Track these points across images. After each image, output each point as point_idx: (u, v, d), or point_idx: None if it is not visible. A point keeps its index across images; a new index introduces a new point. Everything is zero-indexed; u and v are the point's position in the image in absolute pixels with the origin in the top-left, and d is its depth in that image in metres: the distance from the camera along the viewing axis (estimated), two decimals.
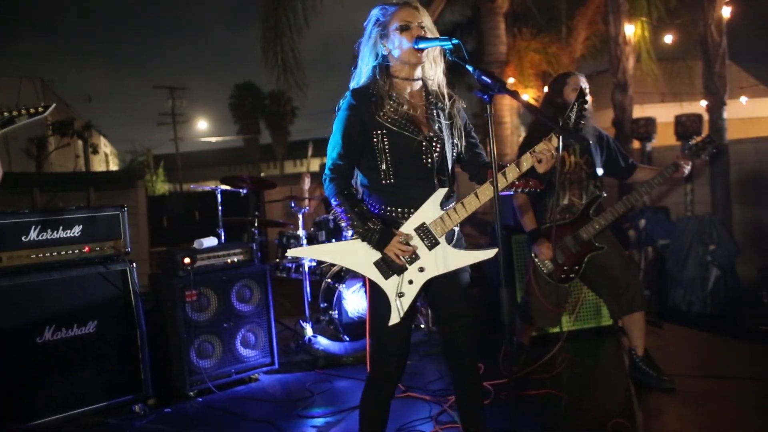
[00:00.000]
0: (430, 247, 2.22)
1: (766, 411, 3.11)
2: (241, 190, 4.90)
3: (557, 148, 2.14)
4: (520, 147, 3.71)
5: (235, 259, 3.94)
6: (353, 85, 2.35)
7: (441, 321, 2.42)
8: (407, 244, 2.18)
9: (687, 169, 3.40)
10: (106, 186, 6.65)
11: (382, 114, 2.23)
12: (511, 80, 9.60)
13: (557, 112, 3.32)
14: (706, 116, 6.36)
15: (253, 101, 40.20)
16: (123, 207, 3.57)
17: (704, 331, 4.68)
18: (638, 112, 7.88)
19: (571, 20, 10.14)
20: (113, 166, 22.90)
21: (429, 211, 2.22)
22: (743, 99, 10.16)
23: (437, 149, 2.26)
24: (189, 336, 3.65)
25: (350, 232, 2.24)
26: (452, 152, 2.32)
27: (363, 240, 2.20)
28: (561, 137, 2.12)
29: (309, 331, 4.56)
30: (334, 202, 2.27)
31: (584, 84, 3.44)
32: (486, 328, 4.39)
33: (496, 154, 2.06)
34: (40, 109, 2.55)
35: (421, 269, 2.23)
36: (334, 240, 4.82)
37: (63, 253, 3.34)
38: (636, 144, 7.22)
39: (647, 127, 6.72)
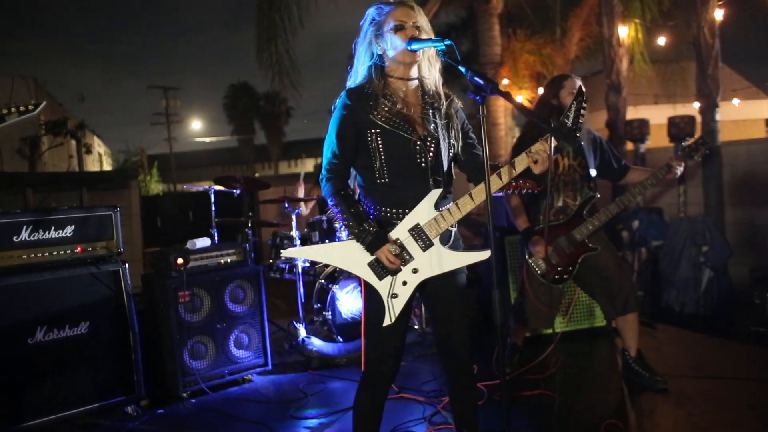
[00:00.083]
0: (425, 249, 2.22)
1: (758, 411, 3.12)
2: (234, 191, 4.89)
3: (550, 149, 2.14)
4: (513, 148, 3.71)
5: (229, 260, 3.93)
6: (350, 84, 2.35)
7: (436, 322, 2.42)
8: (399, 252, 2.18)
9: (680, 170, 3.41)
10: (100, 186, 6.62)
11: (376, 113, 2.23)
12: (505, 81, 9.62)
13: (552, 114, 3.33)
14: (699, 118, 6.40)
15: (247, 101, 40.14)
16: (115, 207, 3.55)
17: (697, 331, 4.70)
18: (632, 113, 7.92)
19: (566, 21, 10.17)
20: (107, 166, 22.79)
21: (423, 212, 2.22)
22: (736, 101, 10.20)
23: (431, 149, 2.26)
24: (182, 337, 3.64)
25: (345, 233, 2.25)
26: (448, 152, 2.32)
27: (357, 241, 2.21)
28: (553, 139, 2.13)
29: (302, 332, 4.55)
30: (330, 203, 2.28)
31: (583, 90, 3.45)
32: (480, 328, 4.40)
33: (488, 156, 2.07)
34: (30, 107, 2.53)
35: (415, 270, 2.23)
36: (327, 240, 4.81)
37: (55, 253, 3.31)
38: (630, 145, 7.25)
39: (641, 128, 6.75)
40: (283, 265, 5.04)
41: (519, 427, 3.08)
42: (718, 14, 6.35)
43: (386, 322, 2.21)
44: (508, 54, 9.68)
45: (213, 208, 4.80)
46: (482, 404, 3.26)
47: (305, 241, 4.97)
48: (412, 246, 2.22)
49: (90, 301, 3.38)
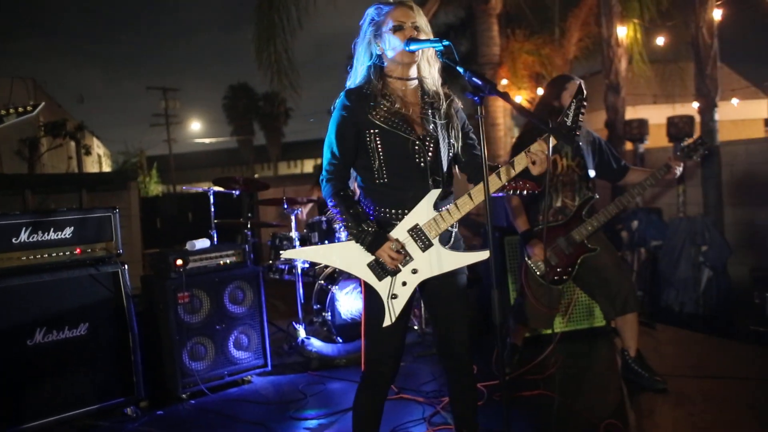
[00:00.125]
0: (424, 249, 2.22)
1: (758, 411, 3.12)
2: (233, 192, 4.89)
3: (548, 150, 2.14)
4: (512, 147, 3.72)
5: (228, 261, 3.93)
6: (350, 84, 2.35)
7: (436, 322, 2.42)
8: (399, 251, 2.18)
9: (679, 170, 3.41)
10: (99, 187, 6.61)
11: (375, 113, 2.23)
12: (504, 81, 9.63)
13: (551, 115, 3.32)
14: (697, 118, 6.40)
15: (247, 102, 40.16)
16: (114, 208, 3.55)
17: (696, 331, 4.70)
18: (631, 113, 7.92)
19: (564, 22, 10.19)
20: (106, 168, 22.78)
21: (423, 213, 2.22)
22: (734, 101, 10.21)
23: (430, 149, 2.25)
24: (181, 338, 3.64)
25: (345, 234, 2.25)
26: (448, 152, 2.31)
27: (356, 241, 2.21)
28: (551, 139, 2.12)
29: (302, 332, 4.55)
30: (330, 203, 2.28)
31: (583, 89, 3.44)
32: (479, 329, 4.40)
33: (487, 156, 2.07)
34: (29, 108, 2.53)
35: (415, 271, 2.23)
36: (327, 241, 4.81)
37: (54, 255, 3.31)
38: (629, 145, 7.26)
39: (640, 128, 6.76)
40: (283, 266, 5.04)
41: (519, 427, 3.08)
42: (717, 14, 6.36)
43: (386, 322, 2.21)
44: (506, 54, 9.69)
45: (212, 209, 4.80)
46: (482, 405, 3.26)
47: (304, 242, 4.97)
48: (411, 246, 2.22)
49: (89, 302, 3.37)
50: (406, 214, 2.22)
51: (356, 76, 2.34)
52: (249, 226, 5.06)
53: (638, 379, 3.50)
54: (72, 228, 3.39)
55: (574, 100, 2.20)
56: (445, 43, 2.09)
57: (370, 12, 2.31)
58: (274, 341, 4.55)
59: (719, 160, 6.32)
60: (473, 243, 6.22)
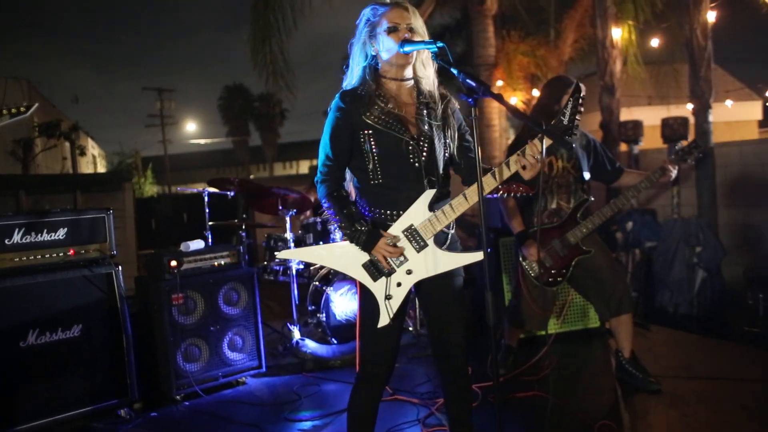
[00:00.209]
0: (419, 250, 2.22)
1: (751, 412, 3.13)
2: (228, 193, 4.88)
3: (541, 152, 2.13)
4: (508, 148, 3.72)
5: (222, 262, 3.92)
6: (346, 84, 2.35)
7: (432, 324, 2.42)
8: (395, 245, 2.18)
9: (674, 173, 3.42)
10: (94, 188, 6.58)
11: (369, 114, 2.23)
12: (499, 83, 9.65)
13: (548, 117, 3.31)
14: (692, 119, 6.43)
15: (242, 103, 40.15)
16: (108, 209, 3.54)
17: (691, 332, 4.71)
18: (625, 114, 7.95)
19: (560, 23, 10.22)
20: (101, 168, 22.71)
21: (417, 213, 2.21)
22: (729, 102, 10.26)
23: (425, 149, 2.25)
24: (175, 339, 3.63)
25: (340, 234, 2.25)
26: (444, 153, 2.31)
27: (351, 241, 2.21)
28: (544, 141, 2.12)
29: (297, 334, 4.54)
30: (324, 204, 2.28)
31: (583, 92, 3.42)
32: (474, 330, 4.40)
33: (480, 157, 2.07)
34: (22, 109, 2.52)
35: (409, 272, 2.23)
36: (322, 242, 4.81)
37: (47, 256, 3.30)
38: (623, 147, 7.28)
39: (635, 130, 6.78)
40: (277, 267, 5.03)
41: (513, 428, 3.08)
42: (711, 16, 6.38)
43: (381, 323, 2.21)
44: (502, 55, 9.72)
45: (207, 210, 4.79)
46: (477, 406, 3.26)
47: (299, 243, 4.96)
48: (406, 247, 2.22)
49: (83, 303, 3.36)
50: (401, 215, 2.22)
51: (352, 77, 2.34)
52: (244, 227, 5.05)
53: (632, 380, 3.51)
54: (65, 229, 3.37)
55: (571, 99, 2.20)
56: (440, 44, 2.09)
57: (366, 13, 2.31)
58: (269, 342, 4.54)
59: (713, 161, 6.35)
60: (468, 244, 6.22)
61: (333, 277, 4.56)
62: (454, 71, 2.02)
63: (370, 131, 2.23)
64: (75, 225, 3.40)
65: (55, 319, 3.26)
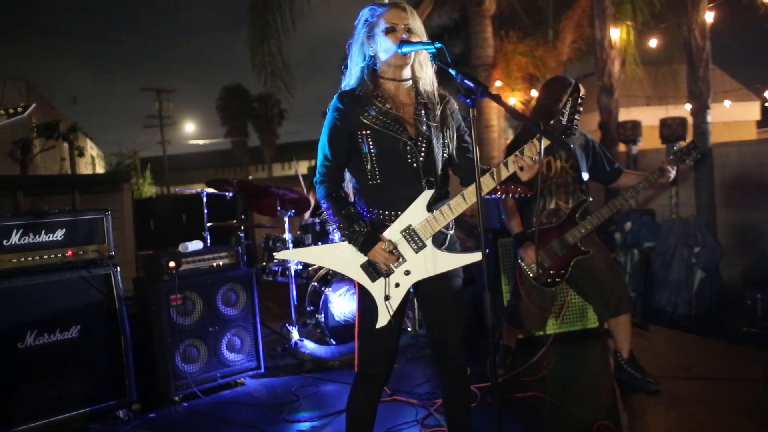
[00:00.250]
0: (417, 250, 2.22)
1: (750, 412, 3.13)
2: (226, 194, 4.88)
3: (539, 153, 2.14)
4: (507, 148, 3.72)
5: (221, 263, 3.92)
6: (344, 84, 2.35)
7: (430, 324, 2.41)
8: (392, 251, 2.18)
9: (672, 174, 3.42)
10: (92, 189, 6.57)
11: (366, 114, 2.23)
12: (498, 83, 9.65)
13: (547, 117, 3.31)
14: (690, 120, 6.44)
15: (241, 104, 40.12)
16: (106, 210, 3.54)
17: (689, 332, 4.72)
18: (624, 115, 7.96)
19: (558, 24, 10.23)
20: (100, 169, 22.72)
21: (416, 214, 2.21)
22: (727, 103, 10.27)
23: (423, 149, 2.25)
24: (174, 340, 3.62)
25: (338, 235, 2.24)
26: (442, 153, 2.30)
27: (349, 242, 2.21)
28: (542, 141, 2.12)
29: (295, 334, 4.54)
30: (323, 205, 2.28)
31: (582, 92, 3.42)
32: (473, 330, 4.40)
33: (479, 158, 2.07)
34: (19, 109, 2.51)
35: (408, 272, 2.23)
36: (320, 243, 4.81)
37: (45, 257, 3.29)
38: (622, 147, 7.29)
39: (633, 130, 6.79)
40: (276, 268, 5.03)
41: (511, 429, 3.08)
42: (709, 17, 6.39)
43: (379, 324, 2.21)
44: (500, 56, 9.72)
45: (205, 211, 4.79)
46: (475, 407, 3.26)
47: (298, 243, 4.96)
48: (404, 247, 2.22)
49: (81, 304, 3.36)
50: (399, 215, 2.22)
51: (350, 78, 2.34)
52: (242, 227, 5.05)
53: (631, 381, 3.51)
54: (64, 230, 3.37)
55: (569, 99, 2.19)
56: (438, 45, 2.08)
57: (364, 13, 2.31)
58: (267, 343, 4.54)
59: (712, 161, 6.35)
60: (467, 244, 6.22)
61: (332, 278, 4.56)
62: (452, 72, 2.02)
63: (368, 132, 2.23)
64: (73, 226, 3.40)
65: (53, 320, 3.26)
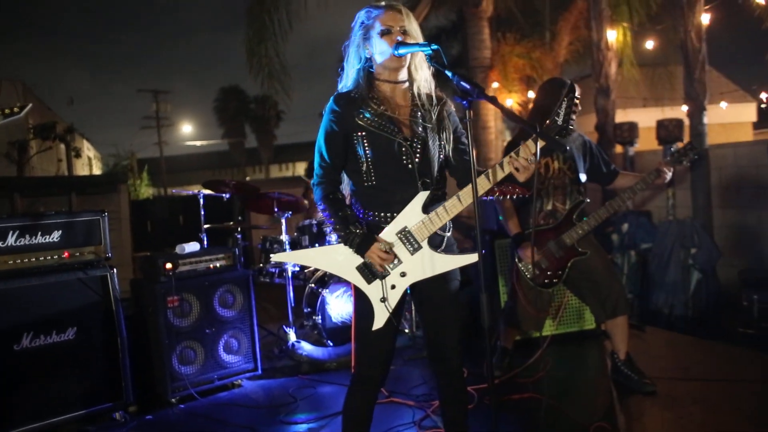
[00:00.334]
0: (413, 252, 2.22)
1: (747, 413, 3.14)
2: (223, 195, 4.87)
3: (534, 154, 2.14)
4: (504, 149, 3.72)
5: (218, 264, 3.91)
6: (341, 86, 2.36)
7: (427, 326, 2.41)
8: (388, 251, 2.18)
9: (669, 175, 3.43)
10: (89, 190, 6.56)
11: (362, 116, 2.23)
12: (495, 85, 9.65)
13: (544, 119, 3.31)
14: (686, 121, 6.45)
15: (238, 105, 40.09)
16: (103, 212, 3.53)
17: (686, 333, 4.72)
18: (621, 116, 7.97)
19: (555, 25, 10.24)
20: (96, 170, 22.68)
21: (411, 215, 2.21)
22: (723, 104, 10.29)
23: (418, 150, 2.25)
24: (171, 342, 3.62)
25: (335, 236, 2.24)
26: (438, 155, 2.30)
27: (345, 244, 2.21)
28: (538, 142, 2.12)
29: (292, 336, 4.54)
30: (320, 207, 2.28)
31: (577, 92, 3.42)
32: (470, 331, 4.40)
33: (479, 160, 2.07)
34: (15, 110, 2.51)
35: (403, 274, 2.23)
36: (317, 245, 4.80)
37: (42, 258, 3.29)
38: (619, 148, 7.30)
39: (630, 131, 6.80)
40: (273, 270, 5.03)
41: (508, 430, 3.09)
42: (705, 18, 6.41)
43: (375, 326, 2.21)
44: (497, 57, 9.72)
45: (202, 213, 4.78)
46: (472, 408, 3.26)
47: (295, 245, 4.95)
48: (400, 249, 2.22)
49: (77, 306, 3.35)
50: (395, 217, 2.22)
51: (347, 80, 2.34)
52: (239, 229, 5.04)
53: (628, 382, 3.51)
54: (60, 231, 3.36)
55: (565, 99, 2.20)
56: (434, 47, 2.08)
57: (360, 15, 2.31)
58: (265, 345, 4.53)
59: (708, 163, 6.36)
60: (464, 246, 6.22)
61: (329, 280, 4.55)
62: (448, 73, 2.03)
63: (363, 133, 2.23)
64: (70, 227, 3.39)
65: (49, 321, 3.25)
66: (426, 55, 2.16)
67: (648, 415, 3.21)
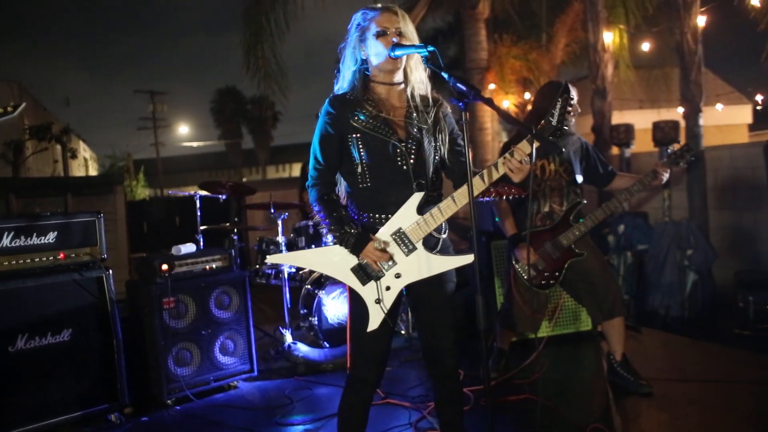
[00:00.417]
0: (408, 253, 2.21)
1: (743, 414, 3.15)
2: (220, 196, 4.86)
3: (530, 155, 2.14)
4: (500, 151, 3.72)
5: (214, 266, 3.90)
6: (337, 88, 2.36)
7: (423, 328, 2.41)
8: (384, 250, 2.18)
9: (665, 176, 3.43)
10: (85, 191, 6.55)
11: (357, 118, 2.23)
12: (491, 86, 9.67)
13: (539, 121, 3.31)
14: (683, 123, 6.47)
15: (234, 106, 40.08)
16: (99, 213, 3.52)
17: (682, 335, 4.73)
18: (617, 118, 7.99)
19: (552, 27, 10.27)
20: (92, 171, 22.65)
21: (406, 216, 2.21)
22: (719, 106, 10.35)
23: (413, 152, 2.25)
24: (167, 343, 3.61)
25: (330, 238, 2.24)
26: (434, 156, 2.30)
27: (340, 244, 2.21)
28: (534, 143, 2.12)
29: (288, 337, 4.53)
30: (315, 208, 2.28)
31: (572, 93, 3.43)
32: (466, 333, 4.40)
33: (472, 161, 2.07)
34: (9, 109, 2.50)
35: (398, 275, 2.23)
36: (313, 246, 4.80)
37: (37, 260, 3.28)
38: (615, 150, 7.31)
39: (626, 133, 6.81)
40: (269, 271, 5.02)
41: (504, 431, 3.08)
42: (701, 20, 6.44)
43: (370, 327, 2.21)
44: (494, 59, 9.74)
45: (198, 214, 4.78)
46: (468, 409, 3.26)
47: (291, 246, 4.95)
48: (395, 250, 2.21)
49: (73, 308, 3.34)
50: (390, 218, 2.22)
51: (343, 81, 2.34)
52: (236, 230, 5.03)
53: (624, 383, 3.52)
54: (55, 233, 3.35)
55: (559, 99, 2.20)
56: (430, 48, 2.08)
57: (357, 17, 2.31)
58: (261, 346, 4.53)
59: (704, 165, 6.38)
60: (460, 247, 6.22)
61: (325, 281, 4.55)
62: (445, 75, 2.03)
63: (358, 135, 2.23)
64: (65, 228, 3.38)
65: (44, 323, 3.24)
66: (422, 56, 2.15)
67: (644, 417, 3.21)
